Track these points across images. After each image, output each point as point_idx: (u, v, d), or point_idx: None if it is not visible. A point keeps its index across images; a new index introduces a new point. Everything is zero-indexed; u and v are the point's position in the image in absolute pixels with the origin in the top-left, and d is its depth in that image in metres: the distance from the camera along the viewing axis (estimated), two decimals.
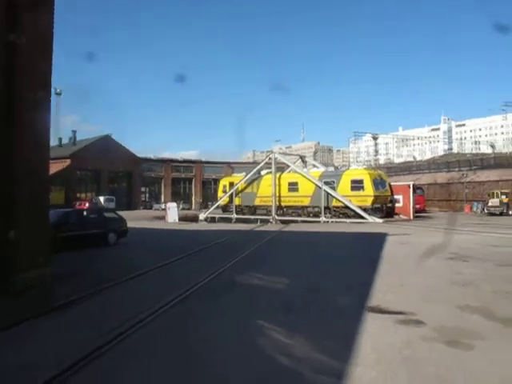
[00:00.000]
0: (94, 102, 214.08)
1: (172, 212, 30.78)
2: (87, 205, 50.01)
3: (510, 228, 22.75)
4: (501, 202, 38.79)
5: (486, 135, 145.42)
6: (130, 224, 29.43)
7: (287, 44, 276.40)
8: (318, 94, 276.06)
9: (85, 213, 18.71)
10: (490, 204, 39.42)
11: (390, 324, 6.16)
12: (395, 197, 34.46)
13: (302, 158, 42.75)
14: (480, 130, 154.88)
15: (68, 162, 59.63)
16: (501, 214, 37.42)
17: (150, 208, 64.60)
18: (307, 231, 23.28)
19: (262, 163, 39.46)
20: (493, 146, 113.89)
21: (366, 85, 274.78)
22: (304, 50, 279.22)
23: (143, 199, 70.44)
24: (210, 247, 16.14)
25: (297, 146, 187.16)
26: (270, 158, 38.23)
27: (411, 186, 34.51)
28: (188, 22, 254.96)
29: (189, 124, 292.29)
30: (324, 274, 10.51)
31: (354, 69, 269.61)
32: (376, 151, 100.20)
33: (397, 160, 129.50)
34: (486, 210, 39.92)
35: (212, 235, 20.89)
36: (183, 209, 63.57)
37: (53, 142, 70.71)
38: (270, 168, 37.81)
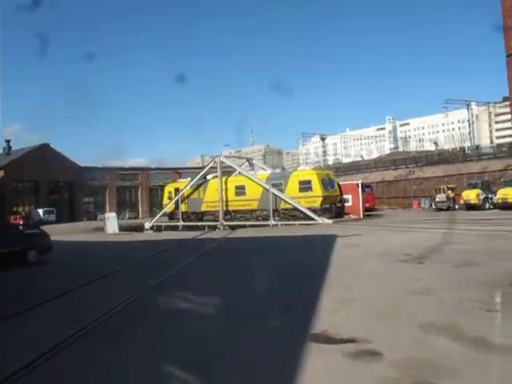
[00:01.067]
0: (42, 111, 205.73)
1: (111, 222, 28.64)
2: (21, 220, 46.86)
3: (460, 223, 22.20)
4: (447, 197, 38.82)
5: (429, 133, 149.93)
6: (66, 237, 27.35)
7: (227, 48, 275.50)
8: (267, 98, 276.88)
9: None
10: (437, 199, 39.40)
11: (338, 360, 4.75)
12: (344, 196, 33.69)
13: (249, 160, 41.45)
14: (423, 128, 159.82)
15: (1, 173, 55.92)
16: (448, 209, 37.40)
17: (95, 219, 61.50)
18: (253, 236, 21.84)
19: (208, 167, 37.86)
20: (436, 143, 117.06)
21: (313, 88, 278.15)
22: (250, 54, 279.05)
23: (88, 209, 67.28)
24: (141, 261, 14.37)
25: (246, 150, 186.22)
26: (215, 162, 36.71)
27: (360, 185, 33.88)
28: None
29: (136, 131, 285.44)
30: (260, 290, 8.76)
31: (301, 72, 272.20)
32: (324, 152, 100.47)
33: (345, 160, 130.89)
34: (433, 206, 39.88)
35: (149, 246, 19.10)
36: (130, 218, 61.14)
37: None
38: (216, 172, 36.35)
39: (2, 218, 45.10)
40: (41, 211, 55.22)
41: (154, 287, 9.71)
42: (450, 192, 39.32)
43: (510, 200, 32.80)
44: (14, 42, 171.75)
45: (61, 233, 32.21)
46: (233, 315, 7.12)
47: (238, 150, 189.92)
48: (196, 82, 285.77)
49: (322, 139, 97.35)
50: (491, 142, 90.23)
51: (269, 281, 9.48)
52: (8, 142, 63.48)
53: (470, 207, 35.26)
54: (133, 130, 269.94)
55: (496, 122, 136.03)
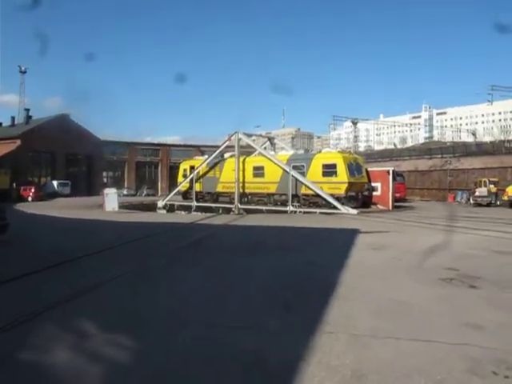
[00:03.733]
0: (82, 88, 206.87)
1: (110, 199, 25.97)
2: (33, 190, 44.97)
3: (508, 224, 18.69)
4: (489, 191, 35.00)
5: (467, 124, 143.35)
6: (58, 213, 24.95)
7: (274, 33, 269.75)
8: (301, 81, 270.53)
9: None
10: (476, 194, 35.58)
11: None
12: (373, 184, 30.22)
13: (271, 139, 38.19)
14: (461, 118, 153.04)
15: (18, 142, 54.21)
16: (488, 205, 33.65)
17: None
18: (260, 225, 18.58)
19: (225, 144, 34.83)
20: (474, 134, 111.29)
21: (348, 72, 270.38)
22: (288, 40, 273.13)
23: (106, 184, 65.42)
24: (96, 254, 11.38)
25: (277, 132, 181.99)
26: (231, 140, 33.69)
27: (391, 173, 30.29)
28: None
29: (172, 110, 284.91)
30: (226, 328, 5.26)
31: (337, 57, 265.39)
32: (355, 137, 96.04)
33: (377, 147, 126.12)
34: (471, 200, 36.07)
35: (131, 231, 16.17)
36: (147, 195, 59.06)
37: (5, 121, 65.43)
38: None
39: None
40: (55, 183, 53.47)
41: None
42: (492, 186, 35.46)
43: None
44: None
45: (60, 207, 30.10)
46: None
47: (269, 132, 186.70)
48: (231, 61, 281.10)
49: (354, 123, 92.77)
50: None
51: (246, 314, 5.94)
52: (27, 110, 61.79)
53: None
54: (167, 108, 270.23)
55: None
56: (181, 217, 26.02)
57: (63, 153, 57.99)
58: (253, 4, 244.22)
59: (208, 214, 32.02)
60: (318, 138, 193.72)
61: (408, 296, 6.49)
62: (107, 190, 26.75)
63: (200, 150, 65.64)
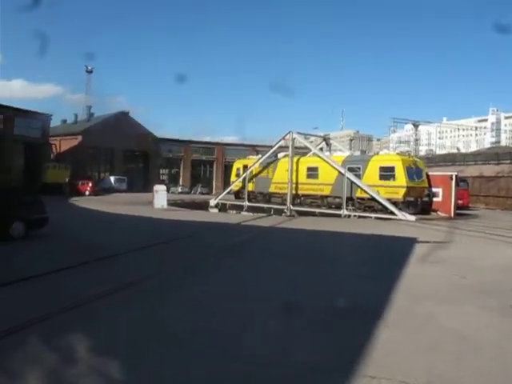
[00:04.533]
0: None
1: (160, 196, 25.72)
2: (90, 184, 46.01)
3: None
4: None
5: None
6: (109, 208, 25.08)
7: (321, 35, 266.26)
8: (361, 82, 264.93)
9: None
10: None
11: None
12: (433, 189, 28.41)
13: (327, 140, 36.97)
14: None
15: (79, 138, 55.92)
16: None
17: (167, 191, 60.30)
18: (308, 230, 17.45)
19: (278, 143, 33.91)
20: None
21: (410, 73, 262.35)
22: (344, 39, 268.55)
23: (163, 181, 66.30)
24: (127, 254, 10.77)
25: (335, 134, 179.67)
26: (285, 139, 32.78)
27: (454, 178, 28.31)
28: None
29: (230, 110, 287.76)
30: None
31: (398, 57, 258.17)
32: (416, 140, 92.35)
33: (439, 151, 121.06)
34: None
35: (174, 229, 15.62)
36: (202, 193, 59.18)
37: (69, 119, 67.63)
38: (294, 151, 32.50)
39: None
40: (112, 179, 54.65)
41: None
42: None
43: None
44: None
45: (112, 202, 30.39)
46: None
47: (327, 133, 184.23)
48: (291, 62, 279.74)
49: (415, 126, 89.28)
50: None
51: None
52: (89, 107, 63.64)
53: None
54: (227, 109, 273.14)
55: None
56: (229, 216, 25.46)
57: (121, 149, 59.25)
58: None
59: (259, 215, 31.40)
60: (378, 140, 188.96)
61: (475, 328, 5.40)
62: (157, 187, 26.55)
63: (255, 149, 65.13)
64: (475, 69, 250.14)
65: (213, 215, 25.44)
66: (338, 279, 8.05)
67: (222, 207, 38.41)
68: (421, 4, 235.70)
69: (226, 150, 67.99)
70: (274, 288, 7.27)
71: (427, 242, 13.66)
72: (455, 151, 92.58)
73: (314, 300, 6.56)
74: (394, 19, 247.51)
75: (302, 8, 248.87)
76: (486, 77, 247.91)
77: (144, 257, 10.10)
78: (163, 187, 26.59)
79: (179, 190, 60.69)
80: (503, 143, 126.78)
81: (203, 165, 68.93)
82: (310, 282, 7.69)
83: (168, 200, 37.02)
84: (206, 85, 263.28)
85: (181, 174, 66.95)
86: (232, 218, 23.74)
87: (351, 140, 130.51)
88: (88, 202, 30.65)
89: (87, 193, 44.35)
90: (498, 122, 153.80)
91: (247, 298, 6.62)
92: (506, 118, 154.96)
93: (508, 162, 52.35)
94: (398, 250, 11.73)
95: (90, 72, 74.44)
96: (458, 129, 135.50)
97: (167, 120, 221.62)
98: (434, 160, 66.43)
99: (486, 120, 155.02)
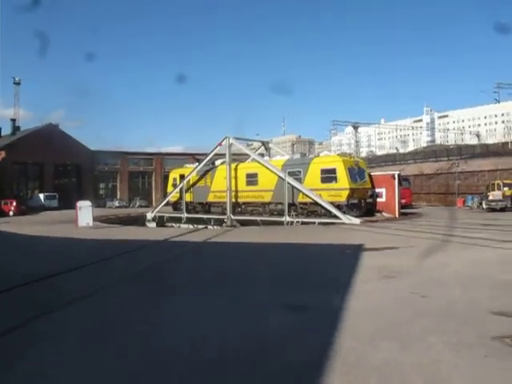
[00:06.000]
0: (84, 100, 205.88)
1: (84, 213, 23.01)
2: (14, 203, 42.29)
3: None
4: (503, 195, 32.08)
5: (470, 126, 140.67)
6: (28, 229, 22.26)
7: (272, 36, 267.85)
8: (300, 86, 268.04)
9: None
10: (490, 197, 32.62)
11: None
12: (377, 190, 27.45)
13: (265, 144, 35.38)
14: (463, 121, 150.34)
15: (3, 154, 51.71)
16: (502, 210, 30.74)
17: (104, 206, 57.01)
18: (242, 243, 15.38)
19: (215, 150, 32.02)
20: (478, 136, 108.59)
21: (347, 77, 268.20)
22: (285, 43, 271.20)
23: (101, 195, 62.76)
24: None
25: (277, 140, 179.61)
26: (221, 145, 30.96)
27: (396, 177, 27.49)
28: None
29: (173, 119, 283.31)
30: None
31: (336, 60, 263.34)
32: (357, 141, 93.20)
33: (379, 152, 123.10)
34: (484, 205, 33.12)
35: (85, 255, 13.11)
36: (140, 206, 56.38)
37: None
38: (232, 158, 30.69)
39: None
40: (41, 196, 50.89)
41: None
42: (506, 189, 32.52)
43: None
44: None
45: (34, 222, 27.51)
46: None
47: (269, 139, 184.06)
48: (230, 67, 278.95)
49: (355, 128, 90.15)
50: None
51: None
52: (14, 121, 59.40)
53: None
54: (168, 116, 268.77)
55: None
56: (160, 232, 23.14)
57: (51, 164, 55.48)
58: (250, 7, 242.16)
59: (199, 227, 29.52)
60: (320, 144, 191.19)
61: None
62: (80, 203, 23.85)
63: (195, 157, 62.71)
64: (410, 68, 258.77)
65: (141, 231, 22.92)
66: (260, 314, 6.18)
67: (160, 220, 36.17)
68: (355, 5, 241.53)
69: (164, 160, 65.24)
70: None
71: (375, 249, 12.15)
72: (394, 151, 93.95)
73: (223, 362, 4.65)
74: (332, 15, 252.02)
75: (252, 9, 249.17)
76: (419, 79, 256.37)
77: (23, 293, 7.87)
78: (87, 203, 23.97)
79: (116, 204, 57.42)
80: (438, 141, 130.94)
81: (141, 176, 65.75)
82: (219, 327, 5.75)
83: (99, 216, 34.32)
84: (143, 92, 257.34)
85: (118, 187, 63.60)
86: (163, 232, 21.45)
87: (293, 144, 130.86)
88: (6, 223, 27.53)
89: (11, 213, 40.67)
90: (433, 121, 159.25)
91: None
92: (440, 117, 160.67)
93: (445, 159, 53.10)
94: (341, 264, 10.08)
95: (18, 84, 70.20)
96: (396, 129, 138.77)
97: (109, 132, 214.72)
98: (375, 161, 66.87)
99: (421, 120, 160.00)
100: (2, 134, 60.19)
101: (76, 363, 4.55)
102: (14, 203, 42.30)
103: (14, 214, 40.29)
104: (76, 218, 23.10)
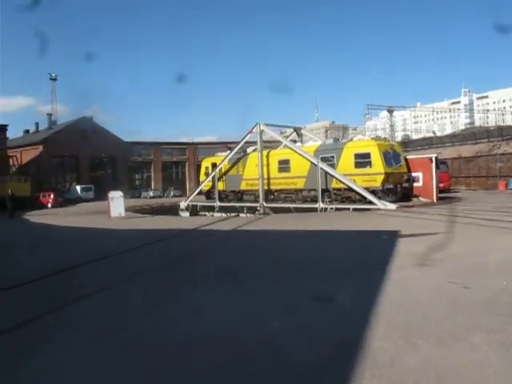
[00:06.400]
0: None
1: (116, 203, 23.10)
2: (52, 196, 43.19)
3: None
4: None
5: (511, 106, 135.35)
6: (63, 221, 22.64)
7: (294, 26, 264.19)
8: (333, 74, 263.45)
9: None
10: None
11: None
12: (413, 174, 26.51)
13: (297, 130, 34.70)
14: (504, 101, 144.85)
15: (40, 148, 52.96)
16: None
17: (139, 196, 57.77)
18: (272, 230, 15.06)
19: (246, 137, 31.66)
20: None
21: (380, 61, 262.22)
22: (312, 31, 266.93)
23: (136, 186, 63.62)
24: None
25: (311, 126, 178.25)
26: (252, 132, 30.52)
27: (434, 160, 26.45)
28: None
29: (205, 110, 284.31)
30: None
31: (367, 45, 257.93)
32: (391, 125, 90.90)
33: (415, 136, 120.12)
34: None
35: (115, 245, 12.94)
36: (174, 195, 56.72)
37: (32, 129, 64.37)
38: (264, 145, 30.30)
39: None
40: (78, 188, 51.86)
41: None
42: None
43: None
44: None
45: (69, 214, 27.90)
46: None
47: (302, 126, 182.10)
48: (263, 56, 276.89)
49: (390, 112, 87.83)
50: None
51: None
52: (50, 115, 60.64)
53: None
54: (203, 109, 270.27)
55: None
56: (192, 220, 22.95)
57: (87, 156, 56.50)
58: None
59: (231, 215, 29.40)
60: (354, 129, 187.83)
61: None
62: (112, 194, 23.96)
63: (227, 146, 62.46)
64: (446, 51, 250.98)
65: (172, 220, 22.71)
66: (290, 306, 5.81)
67: (193, 209, 36.17)
68: None
69: (197, 150, 65.47)
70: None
71: (411, 235, 11.56)
72: (431, 135, 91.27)
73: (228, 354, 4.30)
74: (360, 2, 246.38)
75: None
76: (456, 59, 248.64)
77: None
78: (119, 193, 24.02)
79: (151, 194, 58.11)
80: (477, 123, 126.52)
81: (175, 166, 66.30)
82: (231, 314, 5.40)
83: (133, 206, 34.60)
84: (180, 88, 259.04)
85: (152, 177, 64.26)
86: (194, 221, 21.25)
87: (327, 131, 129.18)
88: (44, 215, 28.03)
89: (49, 205, 41.58)
90: (471, 103, 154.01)
91: None
92: (478, 98, 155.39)
93: (485, 141, 51.03)
94: (377, 251, 9.56)
95: (55, 79, 71.53)
96: (433, 112, 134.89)
97: (143, 126, 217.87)
98: (410, 145, 65.01)
99: (458, 102, 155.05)
100: (40, 129, 61.62)
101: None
102: (52, 195, 43.24)
103: (52, 206, 41.20)
104: (108, 209, 23.22)
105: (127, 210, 29.15)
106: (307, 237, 13.50)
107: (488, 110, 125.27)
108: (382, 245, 10.26)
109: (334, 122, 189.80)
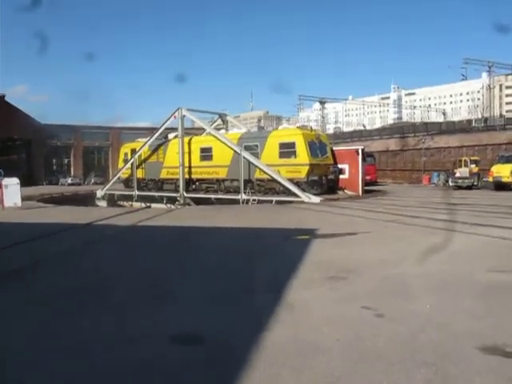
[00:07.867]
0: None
1: (11, 192, 20.18)
2: None
3: None
4: (470, 172, 30.77)
5: (435, 104, 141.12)
6: None
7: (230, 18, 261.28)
8: (269, 65, 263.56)
9: None
10: (457, 175, 31.24)
11: None
12: (339, 166, 25.55)
13: (223, 116, 32.76)
14: (429, 99, 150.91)
15: None
16: (469, 188, 29.44)
17: (57, 183, 53.81)
18: (179, 227, 13.02)
19: (166, 123, 29.51)
20: (444, 114, 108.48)
21: (316, 55, 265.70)
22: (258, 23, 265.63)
23: (54, 172, 59.28)
24: None
25: (245, 115, 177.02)
26: (175, 117, 28.36)
27: (360, 152, 25.66)
28: None
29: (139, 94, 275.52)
30: None
31: (303, 39, 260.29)
32: (323, 117, 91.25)
33: (346, 129, 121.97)
34: (451, 183, 31.63)
35: None
36: (95, 183, 53.05)
37: None
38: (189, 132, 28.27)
39: None
40: None
41: None
42: (473, 166, 31.25)
43: (504, 179, 27.25)
44: None
45: None
46: None
47: (237, 115, 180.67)
48: (200, 43, 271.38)
49: (322, 103, 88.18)
50: (500, 115, 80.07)
51: None
52: None
53: (499, 186, 27.23)
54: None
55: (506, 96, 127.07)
56: (93, 212, 20.37)
57: None
58: None
59: (142, 205, 27.89)
60: (287, 120, 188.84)
61: None
62: (5, 181, 20.98)
63: (153, 132, 59.80)
64: (376, 47, 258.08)
65: (71, 212, 19.73)
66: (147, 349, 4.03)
67: (111, 198, 33.57)
68: None
69: (122, 135, 61.78)
70: None
71: (329, 235, 10.12)
72: (361, 128, 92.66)
73: None
74: None
75: None
76: (387, 55, 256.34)
77: None
78: (15, 180, 20.96)
79: (69, 181, 54.17)
80: (405, 119, 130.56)
81: (97, 152, 62.43)
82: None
83: (41, 195, 31.39)
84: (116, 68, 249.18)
85: (72, 163, 60.08)
86: (98, 213, 18.73)
87: (259, 120, 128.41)
88: None
89: None
90: (400, 98, 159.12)
91: None
92: (407, 94, 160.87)
93: (412, 135, 51.77)
94: (279, 259, 7.88)
95: None
96: (363, 106, 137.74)
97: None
98: (341, 137, 65.41)
99: (388, 97, 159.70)
100: None
101: None
102: None
103: None
104: (1, 198, 20.27)
105: (31, 198, 26.17)
106: (208, 235, 11.58)
107: (415, 107, 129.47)
108: (292, 249, 8.70)
109: (267, 112, 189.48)
